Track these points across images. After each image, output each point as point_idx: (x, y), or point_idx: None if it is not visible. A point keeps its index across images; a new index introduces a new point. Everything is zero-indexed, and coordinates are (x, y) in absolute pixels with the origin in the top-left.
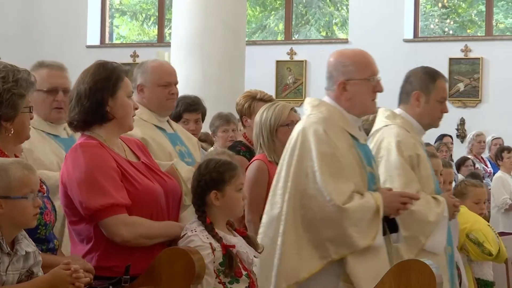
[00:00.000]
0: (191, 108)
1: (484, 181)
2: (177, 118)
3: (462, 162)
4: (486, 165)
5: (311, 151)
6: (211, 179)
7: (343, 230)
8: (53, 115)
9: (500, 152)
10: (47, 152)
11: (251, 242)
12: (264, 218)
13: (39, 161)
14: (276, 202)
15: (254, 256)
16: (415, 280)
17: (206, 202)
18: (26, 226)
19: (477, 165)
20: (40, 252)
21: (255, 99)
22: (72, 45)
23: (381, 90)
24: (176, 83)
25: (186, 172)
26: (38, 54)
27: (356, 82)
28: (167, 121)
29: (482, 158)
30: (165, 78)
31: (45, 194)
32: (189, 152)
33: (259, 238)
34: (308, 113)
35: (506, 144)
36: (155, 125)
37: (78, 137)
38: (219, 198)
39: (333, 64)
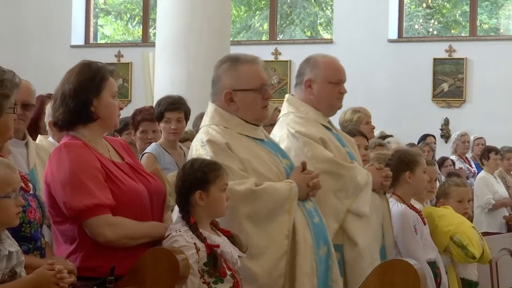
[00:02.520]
0: (172, 107)
1: (468, 181)
2: (159, 117)
3: (441, 162)
4: (470, 165)
5: None
6: (196, 179)
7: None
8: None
9: (487, 152)
10: None
11: (235, 241)
12: None
13: None
14: None
15: (238, 255)
16: (399, 280)
17: (190, 202)
18: (9, 225)
19: (460, 165)
20: (24, 251)
21: None
22: (56, 45)
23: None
24: (345, 81)
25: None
26: (22, 54)
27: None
28: (328, 121)
29: (466, 158)
30: (338, 75)
31: (31, 192)
32: (353, 154)
33: None
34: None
35: (488, 143)
36: (323, 125)
37: None
38: (203, 198)
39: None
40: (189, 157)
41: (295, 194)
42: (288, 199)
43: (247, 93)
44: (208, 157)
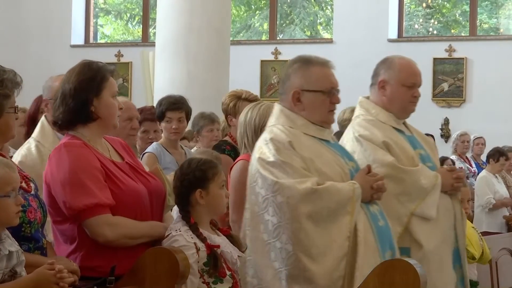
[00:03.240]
0: (174, 106)
1: (468, 181)
2: (160, 116)
3: (441, 162)
4: (470, 165)
5: None
6: (195, 178)
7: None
8: None
9: (498, 154)
10: None
11: (235, 241)
12: None
13: None
14: None
15: (238, 255)
16: (399, 280)
17: (190, 201)
18: (9, 225)
19: (460, 165)
20: (25, 251)
21: (240, 99)
22: (56, 44)
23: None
24: (420, 85)
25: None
26: (22, 54)
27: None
28: (403, 123)
29: (466, 158)
30: (412, 78)
31: (32, 192)
32: (428, 155)
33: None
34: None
35: (488, 143)
36: (394, 127)
37: None
38: (203, 197)
39: None
40: (252, 157)
41: (358, 196)
42: (350, 200)
43: (316, 95)
44: (271, 155)
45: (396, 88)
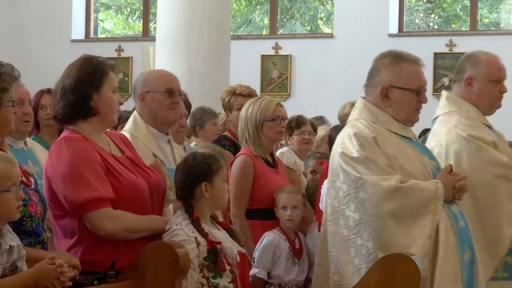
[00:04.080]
0: None
1: None
2: None
3: None
4: None
5: None
6: (201, 171)
7: None
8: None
9: None
10: None
11: (234, 235)
12: None
13: None
14: None
15: (238, 250)
16: (399, 274)
17: (195, 195)
18: (9, 219)
19: None
20: (25, 245)
21: (234, 94)
22: (57, 39)
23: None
24: (505, 79)
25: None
26: (23, 49)
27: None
28: None
29: None
30: (499, 73)
31: (32, 186)
32: None
33: None
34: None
35: None
36: (485, 124)
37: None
38: (208, 190)
39: None
40: (334, 151)
41: (441, 195)
42: (433, 199)
43: (405, 92)
44: (354, 150)
45: (484, 84)
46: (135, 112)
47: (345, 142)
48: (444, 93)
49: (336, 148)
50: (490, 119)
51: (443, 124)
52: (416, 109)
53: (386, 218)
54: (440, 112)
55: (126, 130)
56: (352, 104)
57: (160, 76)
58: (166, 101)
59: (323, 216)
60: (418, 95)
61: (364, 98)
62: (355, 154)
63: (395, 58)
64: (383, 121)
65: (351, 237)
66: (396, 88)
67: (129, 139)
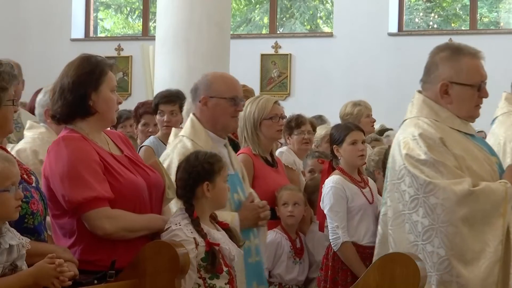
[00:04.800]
0: (165, 100)
1: None
2: (154, 110)
3: None
4: None
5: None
6: (204, 170)
7: None
8: None
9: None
10: None
11: (233, 235)
12: None
13: None
14: None
15: (236, 252)
16: (399, 273)
17: (196, 194)
18: (9, 219)
19: None
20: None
21: None
22: (56, 38)
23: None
24: None
25: None
26: (22, 47)
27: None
28: None
29: None
30: None
31: (33, 184)
32: None
33: None
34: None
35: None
36: None
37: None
38: (209, 190)
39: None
40: (395, 152)
41: (511, 196)
42: (503, 201)
43: (465, 88)
44: (421, 152)
45: None
46: (192, 115)
47: (409, 143)
48: (503, 94)
49: (398, 149)
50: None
51: (501, 124)
52: (476, 105)
53: (459, 224)
54: (499, 113)
55: (185, 136)
56: (354, 104)
57: (226, 82)
58: (230, 108)
59: (381, 219)
60: (479, 90)
61: (420, 92)
62: (423, 157)
63: (453, 52)
64: (445, 119)
65: (419, 243)
66: (456, 84)
67: (191, 146)
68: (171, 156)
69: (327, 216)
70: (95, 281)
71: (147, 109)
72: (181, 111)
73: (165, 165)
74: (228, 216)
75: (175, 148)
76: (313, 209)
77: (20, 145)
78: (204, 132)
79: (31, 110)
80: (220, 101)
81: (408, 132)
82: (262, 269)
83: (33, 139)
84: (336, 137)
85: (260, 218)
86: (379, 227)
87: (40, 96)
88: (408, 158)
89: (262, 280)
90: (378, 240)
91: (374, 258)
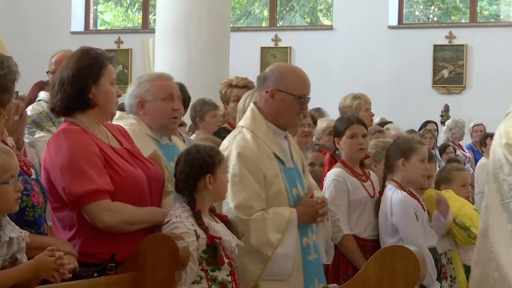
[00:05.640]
0: None
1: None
2: None
3: (443, 149)
4: (464, 151)
5: None
6: (206, 163)
7: None
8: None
9: (483, 139)
10: None
11: (232, 227)
12: None
13: None
14: None
15: (236, 243)
16: (399, 266)
17: (197, 187)
18: (8, 211)
19: (457, 152)
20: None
21: (231, 86)
22: (56, 31)
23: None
24: None
25: None
26: (23, 41)
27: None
28: None
29: (459, 144)
30: None
31: (33, 177)
32: None
33: None
34: None
35: (489, 130)
36: None
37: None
38: (211, 182)
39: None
40: (495, 143)
41: None
42: None
43: None
44: None
45: None
46: (253, 105)
47: (509, 133)
48: None
49: (499, 139)
50: (498, 112)
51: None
52: None
53: None
54: None
55: (244, 127)
56: (354, 96)
57: (298, 79)
58: (296, 106)
59: (482, 211)
60: None
61: None
62: None
63: None
64: None
65: None
66: None
67: (249, 138)
68: (230, 148)
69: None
70: (95, 274)
71: None
72: (184, 104)
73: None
74: (286, 211)
75: (234, 140)
76: None
77: None
78: (265, 123)
79: (30, 103)
80: (288, 97)
81: (509, 123)
82: (321, 266)
83: None
84: (337, 130)
85: (318, 214)
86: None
87: (132, 87)
88: (508, 147)
89: (322, 278)
90: (478, 234)
91: (474, 252)
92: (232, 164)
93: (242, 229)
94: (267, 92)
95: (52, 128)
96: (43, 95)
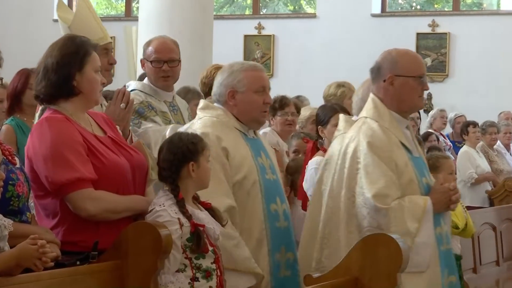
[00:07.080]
0: None
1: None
2: None
3: (426, 137)
4: (445, 139)
5: None
6: (189, 151)
7: None
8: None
9: (465, 127)
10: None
11: (216, 215)
12: None
13: None
14: None
15: (220, 231)
16: (382, 254)
17: (180, 175)
18: None
19: (440, 139)
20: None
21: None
22: (39, 19)
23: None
24: None
25: None
26: (5, 28)
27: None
28: None
29: (441, 133)
30: None
31: (17, 166)
32: None
33: None
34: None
35: (471, 118)
36: None
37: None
38: (194, 170)
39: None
40: None
41: None
42: None
43: None
44: None
45: None
46: (373, 96)
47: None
48: None
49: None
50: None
51: None
52: None
53: None
54: None
55: (368, 117)
56: (338, 85)
57: (412, 60)
58: (417, 87)
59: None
60: None
61: None
62: None
63: None
64: None
65: None
66: None
67: (376, 127)
68: (358, 138)
69: (309, 197)
70: (78, 262)
71: None
72: None
73: (350, 148)
74: (420, 200)
75: (360, 130)
76: (294, 189)
77: (200, 127)
78: (388, 113)
79: (15, 91)
80: (408, 80)
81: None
82: (452, 257)
83: (212, 122)
84: (321, 118)
85: (452, 201)
86: None
87: (224, 76)
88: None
89: (453, 270)
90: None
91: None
92: (363, 154)
93: (380, 219)
94: (384, 81)
95: (156, 118)
96: (134, 84)
